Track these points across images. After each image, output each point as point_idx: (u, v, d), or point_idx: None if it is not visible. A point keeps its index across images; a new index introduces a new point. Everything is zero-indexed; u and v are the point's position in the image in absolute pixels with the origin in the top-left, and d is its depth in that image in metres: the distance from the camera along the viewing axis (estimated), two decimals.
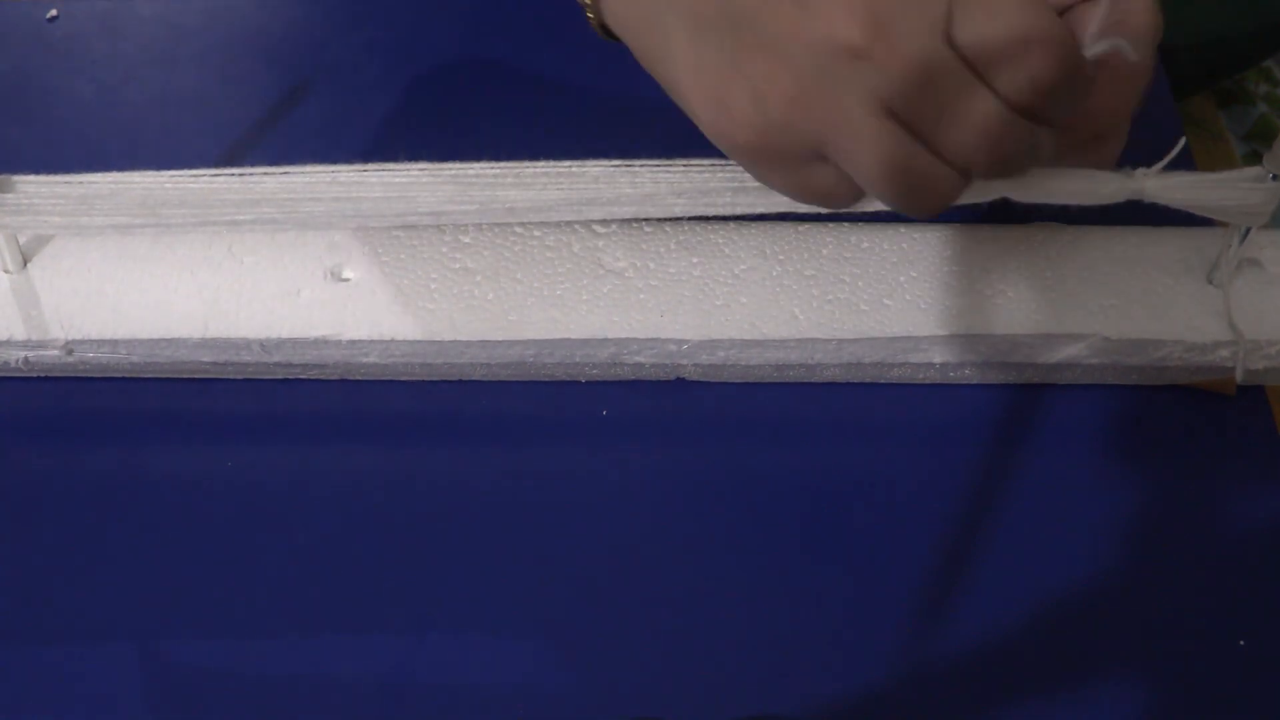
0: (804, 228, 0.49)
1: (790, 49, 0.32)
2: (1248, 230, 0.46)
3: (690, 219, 0.49)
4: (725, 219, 0.49)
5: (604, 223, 0.49)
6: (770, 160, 0.35)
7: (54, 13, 0.63)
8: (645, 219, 0.49)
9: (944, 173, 0.34)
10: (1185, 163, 0.43)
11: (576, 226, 0.49)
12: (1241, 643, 0.43)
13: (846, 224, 0.49)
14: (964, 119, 0.33)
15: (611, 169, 0.42)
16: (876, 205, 0.38)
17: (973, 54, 0.32)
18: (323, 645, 0.42)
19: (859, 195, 0.36)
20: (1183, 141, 0.41)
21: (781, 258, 0.48)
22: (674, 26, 0.34)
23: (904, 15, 0.32)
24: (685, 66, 0.34)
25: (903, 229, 0.49)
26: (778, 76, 0.33)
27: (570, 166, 0.42)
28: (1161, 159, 0.42)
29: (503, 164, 0.42)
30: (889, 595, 0.43)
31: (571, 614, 0.43)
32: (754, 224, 0.49)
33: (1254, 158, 0.45)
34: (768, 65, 0.33)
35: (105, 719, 0.41)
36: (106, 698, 0.41)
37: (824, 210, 0.37)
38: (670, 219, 0.49)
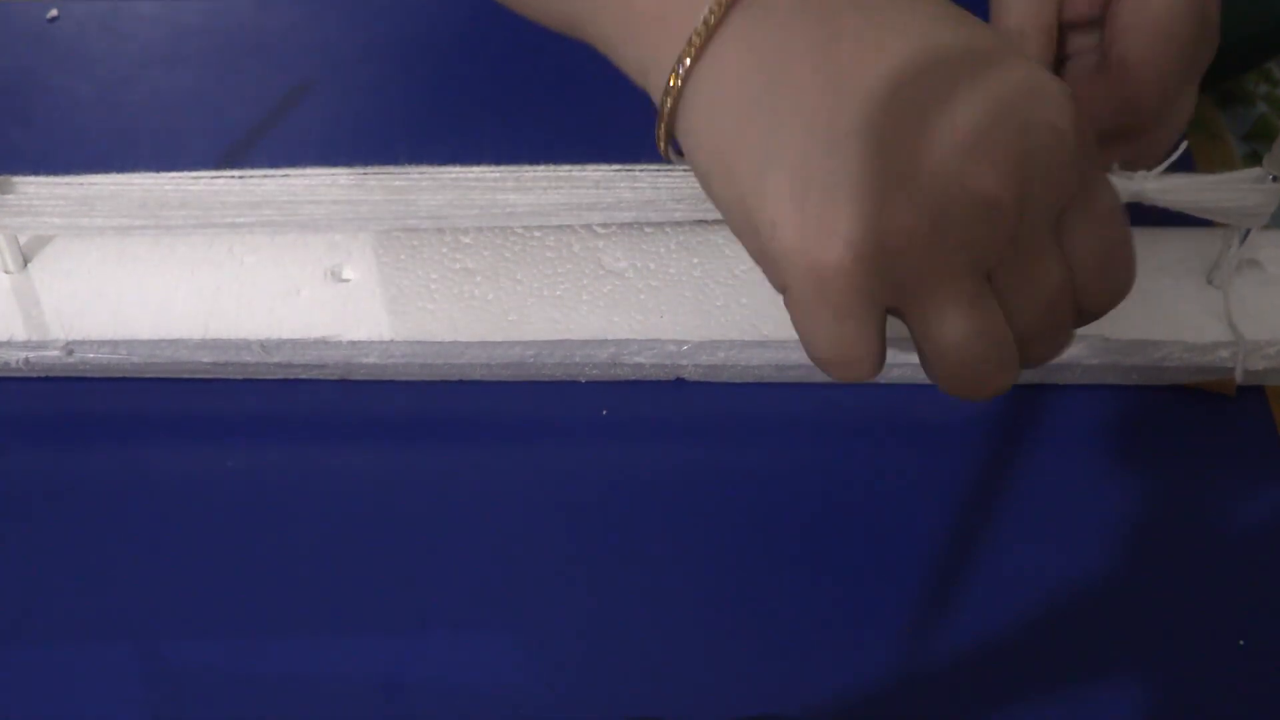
0: None
1: (931, 186, 0.30)
2: (1248, 231, 0.46)
3: (691, 220, 0.49)
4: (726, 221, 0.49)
5: (604, 223, 0.49)
6: (826, 306, 0.31)
7: (54, 13, 0.63)
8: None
9: (1010, 353, 0.32)
10: (1185, 163, 0.43)
11: (577, 227, 0.49)
12: (1241, 643, 0.43)
13: None
14: (1039, 305, 0.32)
15: (612, 173, 0.42)
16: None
17: (1067, 251, 0.32)
18: (323, 645, 0.42)
19: (879, 368, 0.32)
20: (1184, 144, 0.41)
21: None
22: (788, 140, 0.31)
23: (1043, 188, 0.30)
24: (786, 180, 0.30)
25: None
26: (905, 209, 0.30)
27: (570, 171, 0.42)
28: (1162, 165, 0.42)
29: (503, 168, 0.42)
30: (889, 595, 0.43)
31: (571, 614, 0.43)
32: None
33: (1254, 158, 0.45)
34: (900, 195, 0.30)
35: (105, 719, 0.41)
36: (106, 698, 0.41)
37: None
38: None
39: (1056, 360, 0.47)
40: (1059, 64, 0.44)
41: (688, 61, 0.32)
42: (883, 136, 0.30)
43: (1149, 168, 0.41)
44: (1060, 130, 0.30)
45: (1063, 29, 0.43)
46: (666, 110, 0.33)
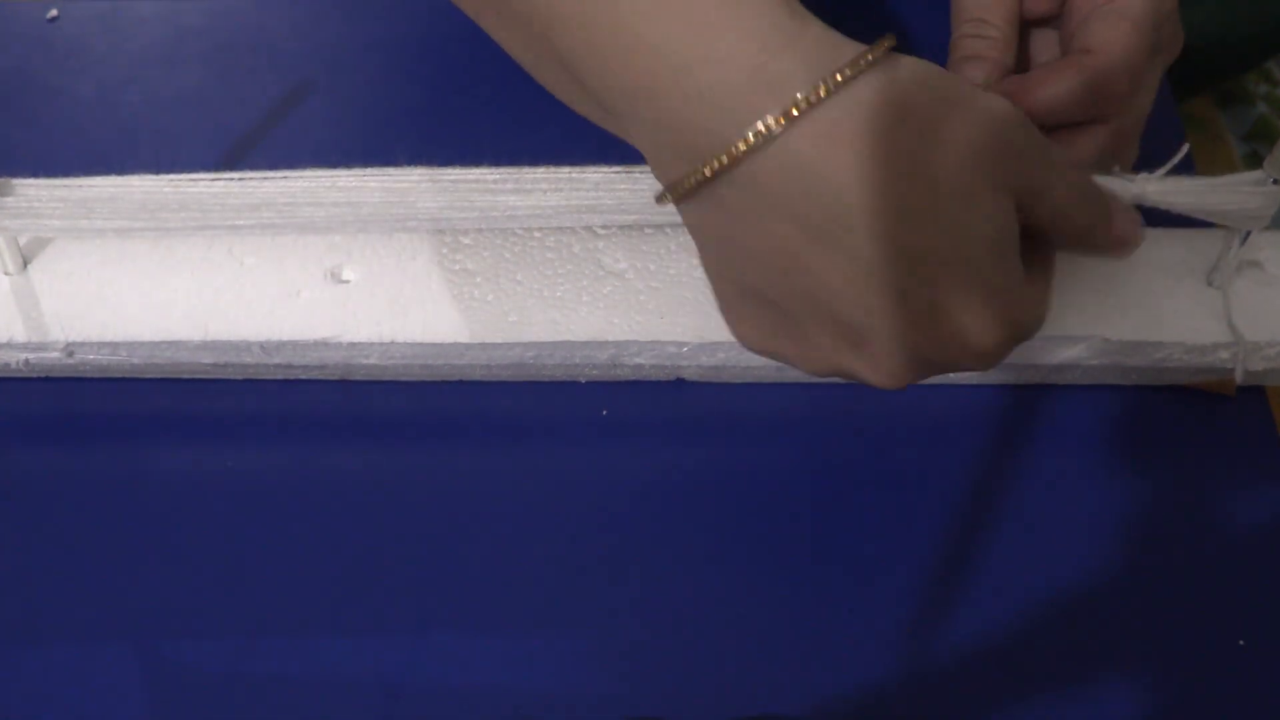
0: None
1: (814, 352, 0.35)
2: (1248, 232, 0.46)
3: None
4: None
5: (604, 225, 0.49)
6: (772, 358, 0.37)
7: (54, 13, 0.63)
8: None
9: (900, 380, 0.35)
10: (1185, 164, 0.43)
11: (577, 229, 0.49)
12: (1241, 643, 0.43)
13: None
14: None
15: (612, 175, 0.42)
16: None
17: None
18: (323, 645, 0.42)
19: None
20: (1186, 148, 0.41)
21: None
22: (730, 277, 0.35)
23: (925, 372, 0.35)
24: (726, 297, 0.36)
25: None
26: (794, 349, 0.35)
27: (570, 172, 0.42)
28: (1163, 162, 0.42)
29: (503, 169, 0.42)
30: (889, 595, 0.43)
31: (571, 614, 0.43)
32: None
33: (1254, 158, 0.45)
34: (790, 342, 0.35)
35: (105, 719, 0.41)
36: (106, 698, 0.41)
37: None
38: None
39: (1057, 359, 0.47)
40: (1020, 61, 0.44)
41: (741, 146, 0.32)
42: (786, 309, 0.35)
43: (1121, 160, 0.42)
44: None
45: (1023, 25, 0.43)
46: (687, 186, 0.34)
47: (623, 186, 0.42)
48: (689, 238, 0.49)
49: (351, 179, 0.43)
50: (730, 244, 0.34)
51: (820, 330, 0.33)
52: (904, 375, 0.34)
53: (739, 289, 0.35)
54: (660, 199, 0.34)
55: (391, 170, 0.43)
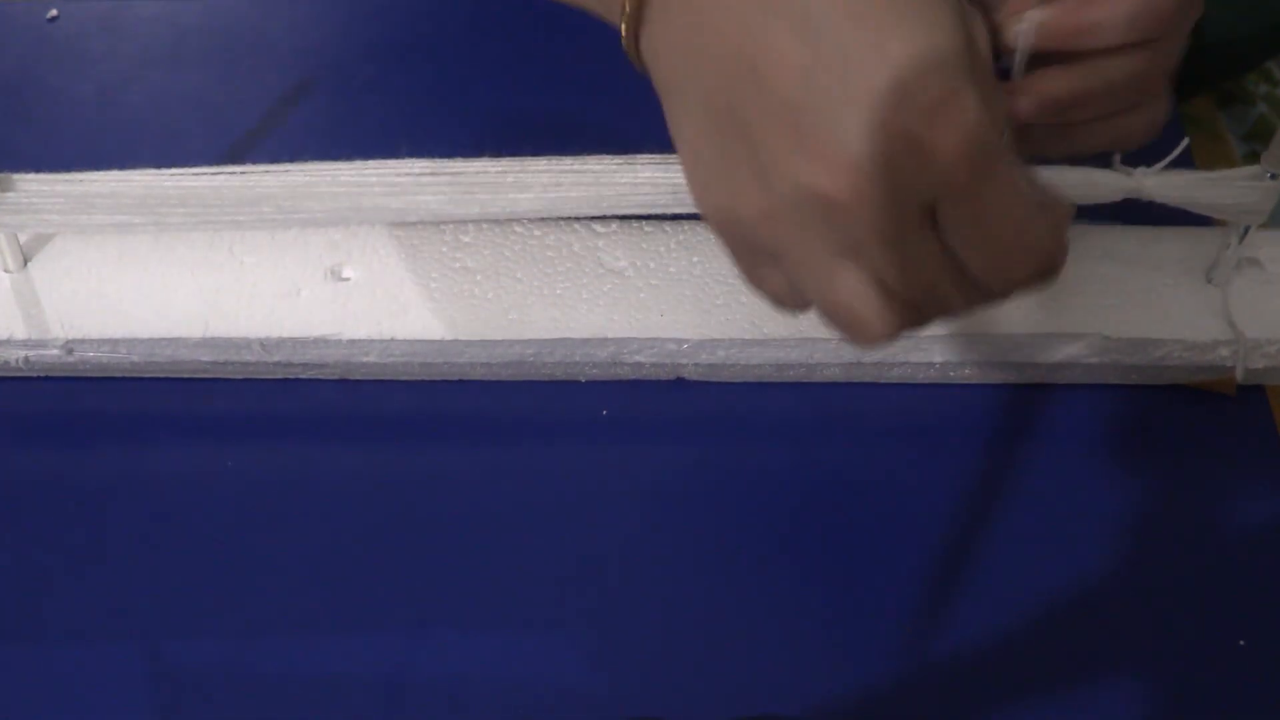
0: None
1: (773, 177, 0.32)
2: (1246, 229, 0.46)
3: (691, 218, 0.49)
4: None
5: (604, 222, 0.49)
6: (735, 247, 0.35)
7: (54, 13, 0.63)
8: (646, 218, 0.49)
9: (883, 318, 0.33)
10: (1184, 163, 0.43)
11: (576, 226, 0.49)
12: (1241, 643, 0.43)
13: None
14: (916, 284, 0.33)
15: (613, 166, 0.42)
16: None
17: (948, 240, 0.32)
18: (323, 645, 0.42)
19: (807, 308, 0.35)
20: (1185, 142, 0.41)
21: None
22: (690, 103, 0.34)
23: (887, 186, 0.31)
24: (691, 141, 0.35)
25: None
26: (755, 193, 0.33)
27: (571, 163, 0.42)
28: (1161, 158, 0.42)
29: (503, 160, 0.42)
30: (889, 595, 0.43)
31: (571, 613, 0.43)
32: None
33: (1254, 158, 0.45)
34: (750, 179, 0.33)
35: (105, 719, 0.41)
36: (106, 698, 0.41)
37: None
38: (671, 218, 0.49)
39: (1056, 357, 0.47)
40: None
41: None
42: (747, 124, 0.32)
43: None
44: (917, 138, 0.31)
45: None
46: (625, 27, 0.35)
47: (623, 176, 0.42)
48: (689, 235, 0.49)
49: (352, 172, 0.43)
50: (690, 59, 0.34)
51: (777, 135, 0.32)
52: (864, 170, 0.31)
53: (701, 119, 0.34)
54: (626, 47, 0.35)
55: (392, 163, 0.43)
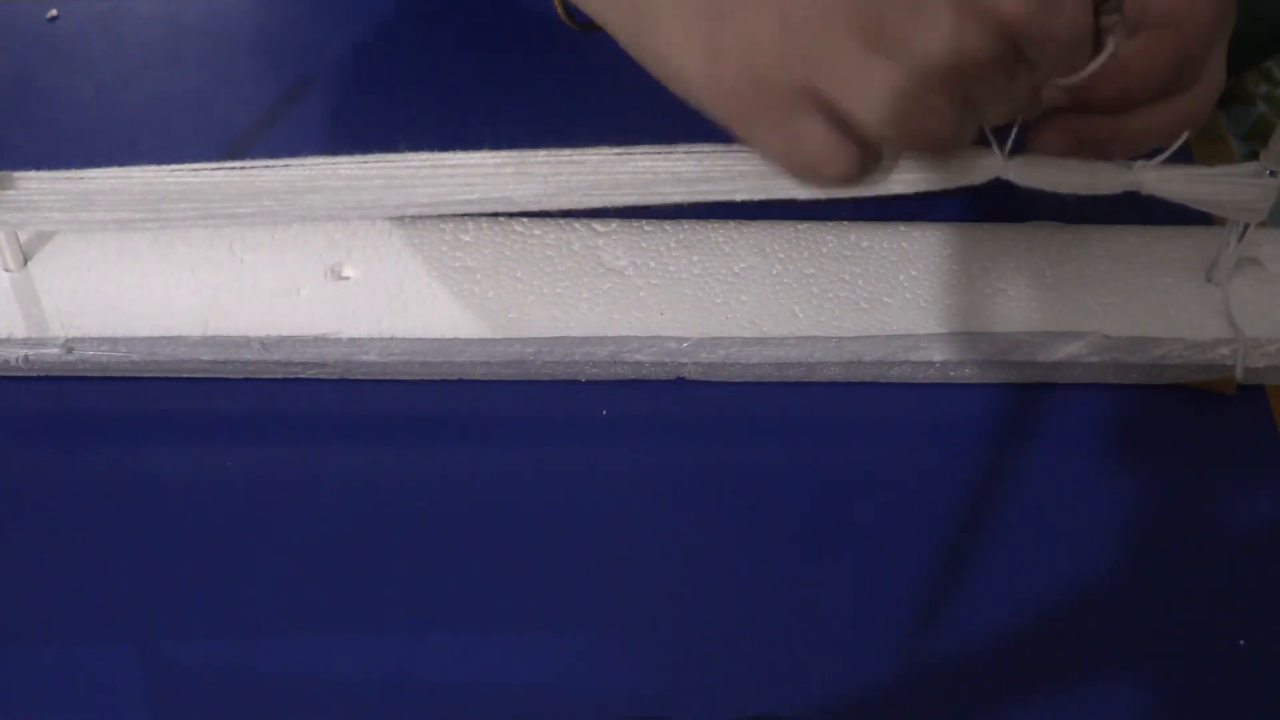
0: (804, 226, 0.49)
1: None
2: (1246, 227, 0.46)
3: (690, 217, 0.49)
4: (725, 217, 0.49)
5: (604, 221, 0.49)
6: (761, 111, 0.34)
7: (54, 13, 0.63)
8: (645, 217, 0.49)
9: (942, 103, 0.33)
10: (1185, 161, 0.43)
11: (576, 225, 0.49)
12: (1241, 643, 0.43)
13: (846, 222, 0.50)
14: (955, 50, 0.32)
15: (611, 157, 0.42)
16: (876, 187, 0.38)
17: None
18: (323, 645, 0.42)
19: (853, 159, 0.35)
20: (1184, 136, 0.41)
21: (781, 256, 0.48)
22: None
23: None
24: (674, 26, 0.34)
25: (902, 228, 0.49)
26: (766, 12, 0.32)
27: (570, 155, 0.42)
28: (1161, 155, 0.42)
29: (502, 153, 0.42)
30: (889, 595, 0.43)
31: (571, 614, 0.43)
32: (754, 222, 0.49)
33: (1254, 158, 0.45)
34: (756, 4, 0.32)
35: (105, 719, 0.41)
36: (106, 698, 0.41)
37: (822, 196, 0.37)
38: (670, 218, 0.49)
39: (1057, 356, 0.47)
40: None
41: None
42: None
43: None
44: None
45: None
46: None
47: (621, 168, 0.42)
48: (689, 234, 0.49)
49: (352, 166, 0.43)
50: None
51: None
52: None
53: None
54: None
55: (392, 157, 0.42)
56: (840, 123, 0.34)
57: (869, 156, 0.35)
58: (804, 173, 0.35)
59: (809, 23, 0.32)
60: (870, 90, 0.33)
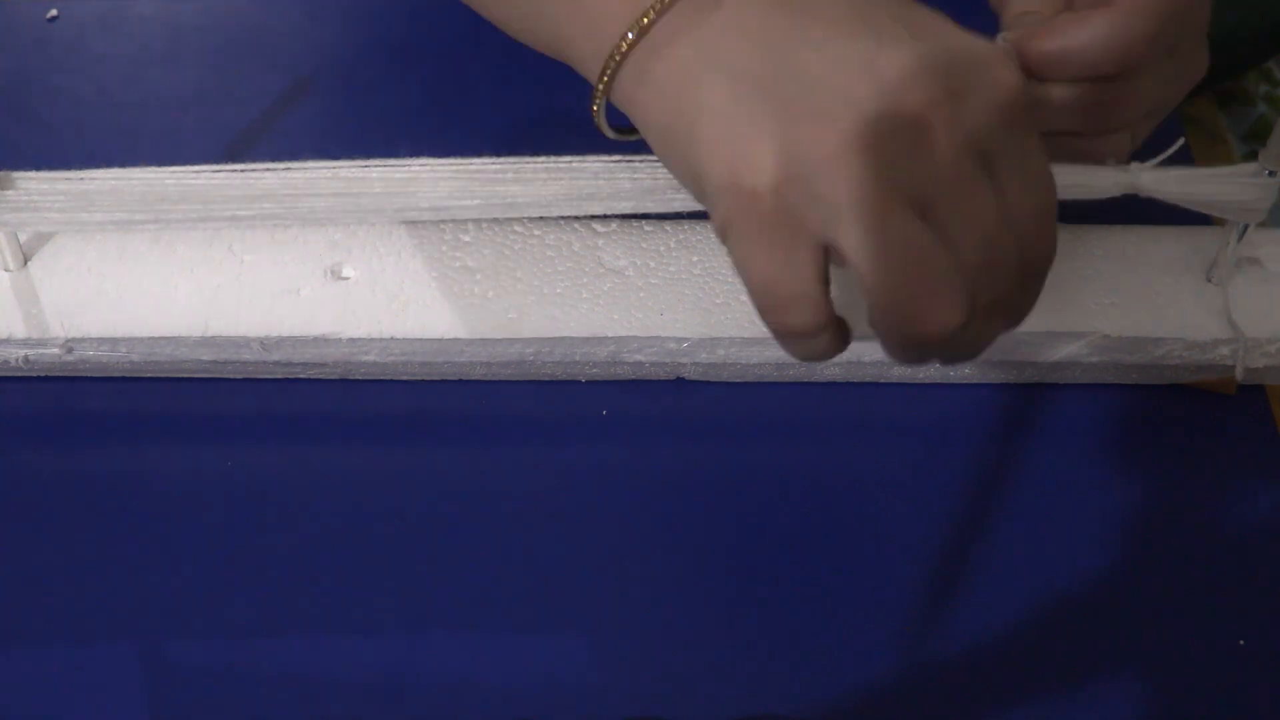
0: None
1: (843, 110, 0.31)
2: (1246, 227, 0.46)
3: (691, 217, 0.49)
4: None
5: (604, 221, 0.49)
6: (764, 226, 0.33)
7: (54, 13, 0.63)
8: (645, 217, 0.49)
9: (950, 283, 0.32)
10: (1184, 162, 0.43)
11: (576, 225, 0.49)
12: (1241, 643, 0.43)
13: None
14: (976, 235, 0.32)
15: (611, 164, 0.42)
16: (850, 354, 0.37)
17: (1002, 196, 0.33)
18: (323, 645, 0.42)
19: (829, 324, 0.34)
20: (1181, 140, 0.41)
21: None
22: (715, 84, 0.33)
23: (971, 120, 0.32)
24: (715, 121, 0.33)
25: None
26: (822, 134, 0.31)
27: (571, 161, 0.42)
28: (1160, 156, 0.42)
29: (503, 159, 0.42)
30: (889, 595, 0.43)
31: (571, 614, 0.43)
32: None
33: (1254, 158, 0.45)
34: (814, 123, 0.32)
35: (105, 719, 0.41)
36: (106, 698, 0.41)
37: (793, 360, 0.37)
38: (671, 217, 0.49)
39: (1056, 356, 0.47)
40: None
41: (630, 36, 0.35)
42: (803, 68, 0.32)
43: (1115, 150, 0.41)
44: (993, 72, 0.32)
45: None
46: (604, 81, 0.36)
47: (622, 175, 0.42)
48: (689, 235, 0.49)
49: (352, 169, 0.43)
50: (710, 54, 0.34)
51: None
52: (913, 66, 0.31)
53: (726, 88, 0.33)
54: (603, 82, 0.36)
55: (392, 161, 0.43)
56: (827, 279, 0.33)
57: (843, 326, 0.35)
58: (765, 310, 0.34)
59: (859, 157, 0.32)
60: (881, 244, 0.32)
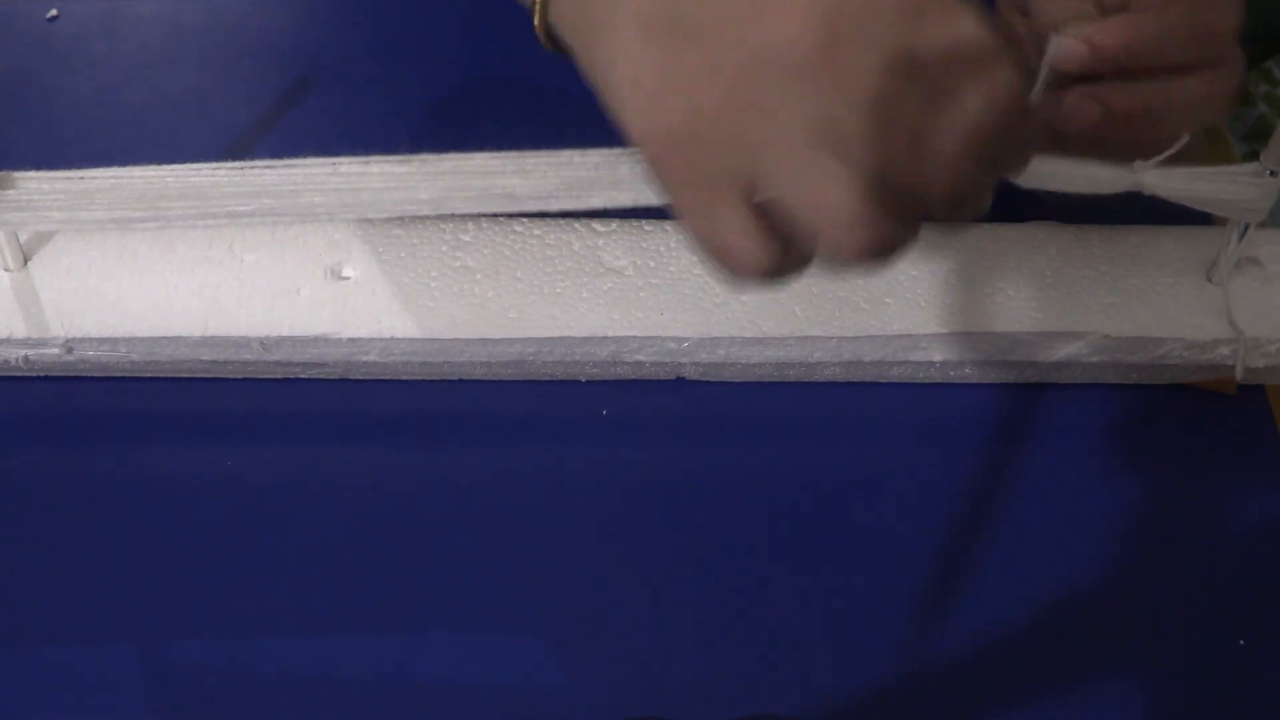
0: None
1: (732, 54, 0.30)
2: (1246, 227, 0.46)
3: None
4: None
5: (604, 221, 0.49)
6: (690, 174, 0.32)
7: (54, 13, 0.63)
8: (646, 217, 0.49)
9: (871, 219, 0.30)
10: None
11: (576, 225, 0.49)
12: (1241, 643, 0.43)
13: None
14: (913, 152, 0.30)
15: (611, 157, 0.42)
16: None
17: (931, 77, 0.30)
18: (323, 645, 0.42)
19: (772, 256, 0.32)
20: (1185, 138, 0.41)
21: None
22: (623, 28, 0.32)
23: (862, 33, 0.29)
24: (627, 69, 0.32)
25: None
26: (714, 81, 0.30)
27: (571, 156, 0.42)
28: (1160, 156, 0.42)
29: (503, 154, 0.42)
30: (889, 595, 0.43)
31: (571, 614, 0.43)
32: None
33: (1254, 158, 0.45)
34: (707, 69, 0.31)
35: (105, 719, 0.41)
36: (106, 698, 0.41)
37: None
38: (670, 218, 0.49)
39: (1057, 356, 0.47)
40: None
41: None
42: (693, 14, 0.31)
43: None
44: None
45: None
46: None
47: (622, 167, 0.42)
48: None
49: (352, 165, 0.43)
50: None
51: (729, 9, 0.31)
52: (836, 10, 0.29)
53: (635, 37, 0.32)
54: (538, 24, 0.36)
55: (392, 157, 0.42)
56: (766, 216, 0.32)
57: (791, 258, 0.32)
58: (718, 257, 0.33)
59: (756, 102, 0.30)
60: (806, 187, 0.30)
